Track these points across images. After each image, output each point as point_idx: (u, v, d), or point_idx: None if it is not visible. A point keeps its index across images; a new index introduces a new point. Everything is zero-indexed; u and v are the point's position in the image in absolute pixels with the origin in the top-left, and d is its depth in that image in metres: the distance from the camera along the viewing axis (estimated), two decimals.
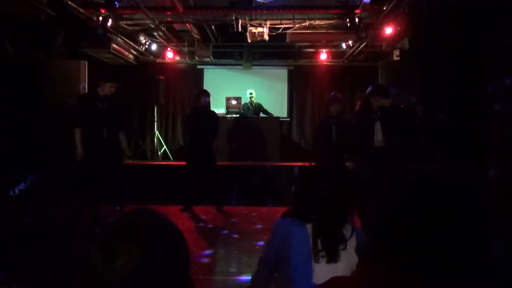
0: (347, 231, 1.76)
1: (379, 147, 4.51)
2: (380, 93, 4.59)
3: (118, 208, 5.38)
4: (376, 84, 5.16)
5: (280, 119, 9.00)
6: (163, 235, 0.84)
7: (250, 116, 8.48)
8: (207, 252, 4.28)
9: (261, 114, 8.65)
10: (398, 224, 0.82)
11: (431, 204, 0.79)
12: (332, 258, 1.70)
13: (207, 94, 6.03)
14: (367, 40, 7.56)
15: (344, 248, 1.71)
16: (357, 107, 5.50)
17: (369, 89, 4.84)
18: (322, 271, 1.68)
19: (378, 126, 4.54)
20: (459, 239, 0.77)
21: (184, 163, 6.31)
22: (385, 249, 0.84)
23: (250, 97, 8.63)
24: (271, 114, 8.67)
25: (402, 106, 4.72)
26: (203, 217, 5.74)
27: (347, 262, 1.69)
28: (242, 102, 8.81)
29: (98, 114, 5.03)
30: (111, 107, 5.10)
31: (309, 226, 1.74)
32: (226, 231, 5.14)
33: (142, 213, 0.87)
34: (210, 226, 5.38)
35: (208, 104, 6.03)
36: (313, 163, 5.55)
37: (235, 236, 4.86)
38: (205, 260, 3.97)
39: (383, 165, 4.16)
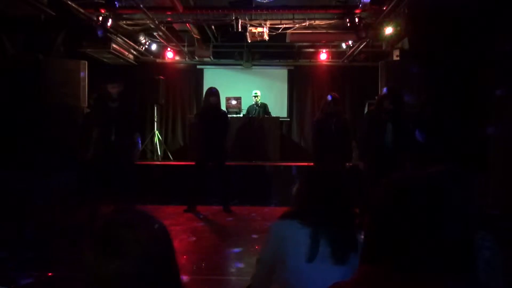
0: (351, 232, 1.72)
1: (390, 148, 4.56)
2: (389, 98, 4.62)
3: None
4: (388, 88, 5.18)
5: (280, 119, 9.00)
6: (149, 236, 0.84)
7: (252, 116, 8.48)
8: (207, 252, 4.28)
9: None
10: (389, 227, 0.84)
11: (418, 206, 0.82)
12: (340, 260, 1.65)
13: (215, 94, 5.98)
14: (367, 40, 7.57)
15: (351, 250, 1.66)
16: (370, 108, 5.54)
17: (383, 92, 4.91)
18: (321, 276, 1.65)
19: (389, 127, 4.58)
20: (443, 239, 0.79)
21: (186, 163, 6.29)
22: (378, 250, 0.85)
23: (255, 97, 8.61)
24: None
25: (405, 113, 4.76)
26: (204, 217, 5.75)
27: (348, 266, 1.66)
28: (244, 103, 8.82)
29: (109, 114, 5.05)
30: (123, 107, 5.11)
31: (308, 229, 1.69)
32: (226, 231, 5.14)
33: (131, 213, 0.88)
34: (210, 226, 5.39)
35: (217, 104, 5.97)
36: (313, 163, 5.57)
37: (236, 236, 4.86)
38: (205, 260, 3.97)
39: (392, 166, 4.21)
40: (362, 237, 0.96)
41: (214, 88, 6.21)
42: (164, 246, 0.86)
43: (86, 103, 7.08)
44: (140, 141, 5.36)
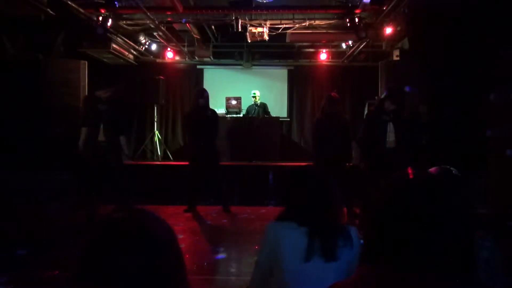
0: (342, 229, 1.74)
1: (390, 148, 4.57)
2: (390, 98, 4.62)
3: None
4: (389, 88, 5.18)
5: (280, 119, 9.01)
6: (154, 234, 0.84)
7: (251, 116, 8.48)
8: (208, 252, 4.28)
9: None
10: (388, 227, 0.84)
11: (418, 206, 0.82)
12: (331, 256, 1.66)
13: (203, 95, 5.93)
14: (367, 40, 7.56)
15: (344, 246, 1.68)
16: (371, 108, 5.54)
17: (384, 94, 4.91)
18: (316, 273, 1.66)
19: (390, 127, 4.58)
20: (443, 239, 0.80)
21: (186, 163, 6.29)
22: (378, 250, 0.85)
23: (254, 97, 8.62)
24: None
25: (405, 114, 4.76)
26: (204, 217, 5.74)
27: (341, 261, 1.68)
28: (244, 103, 8.82)
29: (97, 115, 5.09)
30: (112, 109, 5.14)
31: (303, 229, 1.70)
32: (226, 231, 5.14)
33: (134, 212, 0.87)
34: (210, 226, 5.38)
35: (206, 105, 5.91)
36: (312, 163, 5.57)
37: (235, 236, 4.86)
38: (206, 260, 3.97)
39: (394, 166, 4.22)
40: (362, 237, 0.96)
41: (204, 89, 6.20)
42: (171, 245, 0.86)
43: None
44: (124, 143, 5.39)
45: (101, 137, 5.17)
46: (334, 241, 1.69)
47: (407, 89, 5.01)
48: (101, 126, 5.14)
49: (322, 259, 1.66)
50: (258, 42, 7.72)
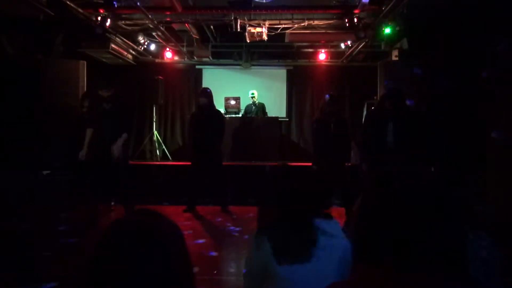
0: (312, 228, 1.66)
1: (391, 148, 4.56)
2: (390, 98, 4.62)
3: (113, 206, 5.46)
4: (391, 88, 5.18)
5: (279, 119, 9.01)
6: (167, 236, 0.84)
7: (251, 116, 8.50)
8: (208, 252, 4.29)
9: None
10: (388, 227, 0.84)
11: (416, 206, 0.82)
12: (303, 258, 1.60)
13: (203, 94, 5.90)
14: (366, 40, 7.57)
15: (324, 244, 1.61)
16: (371, 108, 5.55)
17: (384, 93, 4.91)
18: (308, 275, 1.60)
19: (390, 127, 4.58)
20: (442, 239, 0.80)
21: (185, 163, 6.27)
22: (376, 250, 0.86)
23: (252, 97, 8.63)
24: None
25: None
26: (204, 218, 5.74)
27: (326, 260, 1.62)
28: (243, 103, 8.83)
29: (103, 115, 5.08)
30: (116, 107, 5.13)
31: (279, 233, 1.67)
32: (226, 231, 5.14)
33: (148, 214, 0.88)
34: (210, 226, 5.39)
35: (207, 104, 5.85)
36: (311, 163, 5.58)
37: (235, 236, 4.87)
38: (206, 260, 3.98)
39: (394, 165, 4.21)
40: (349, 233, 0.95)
41: (205, 88, 6.17)
42: (180, 246, 0.87)
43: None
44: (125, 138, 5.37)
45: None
46: (304, 240, 1.63)
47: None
48: (107, 125, 5.13)
49: (298, 261, 1.61)
50: (257, 42, 7.73)
